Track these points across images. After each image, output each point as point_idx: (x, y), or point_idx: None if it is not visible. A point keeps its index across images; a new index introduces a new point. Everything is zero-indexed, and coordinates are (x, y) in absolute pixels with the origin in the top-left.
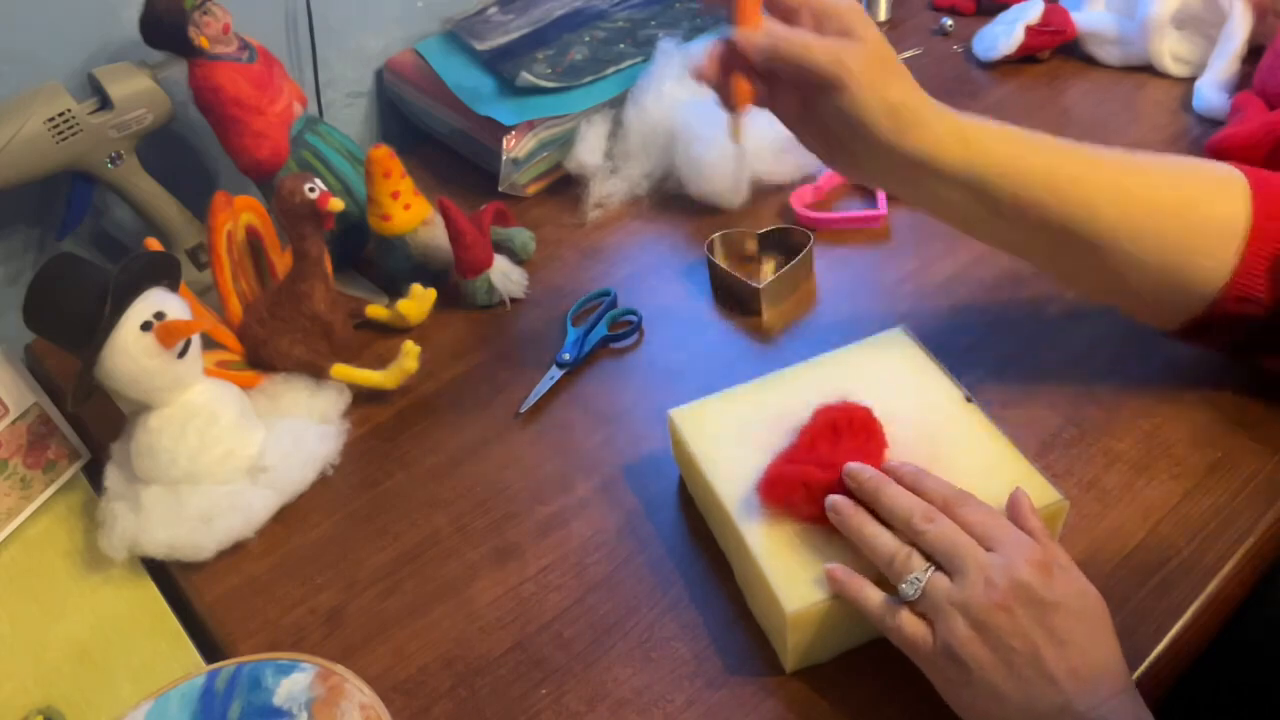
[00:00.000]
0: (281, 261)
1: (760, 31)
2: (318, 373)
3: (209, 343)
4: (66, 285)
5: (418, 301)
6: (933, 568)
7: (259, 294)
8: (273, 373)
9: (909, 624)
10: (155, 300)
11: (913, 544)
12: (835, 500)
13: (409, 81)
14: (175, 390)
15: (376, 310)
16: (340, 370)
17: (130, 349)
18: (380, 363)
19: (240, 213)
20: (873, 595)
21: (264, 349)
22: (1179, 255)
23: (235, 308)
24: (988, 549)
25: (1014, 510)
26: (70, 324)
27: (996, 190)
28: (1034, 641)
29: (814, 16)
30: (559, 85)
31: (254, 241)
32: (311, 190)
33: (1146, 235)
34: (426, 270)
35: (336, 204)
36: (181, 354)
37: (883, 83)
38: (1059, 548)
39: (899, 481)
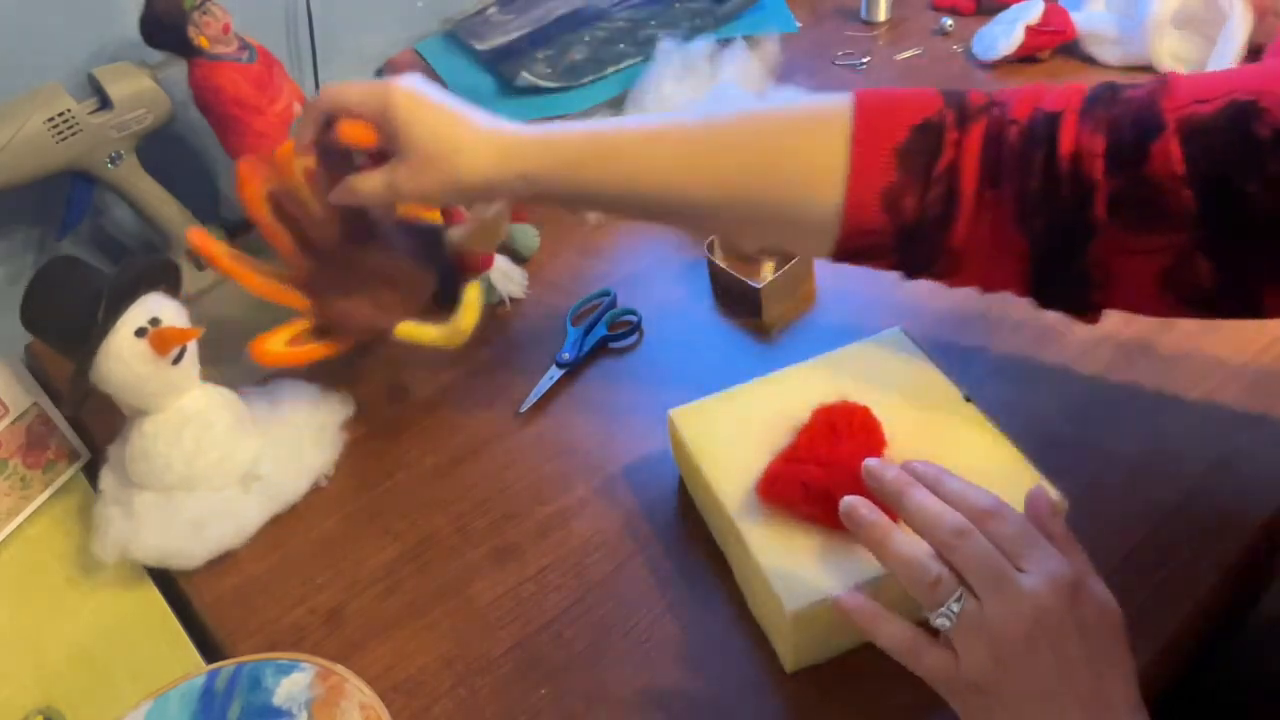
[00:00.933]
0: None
1: (337, 191)
2: (382, 335)
3: (281, 315)
4: (63, 288)
5: (484, 227)
6: (964, 591)
7: (315, 259)
8: (344, 341)
9: (932, 657)
10: (151, 306)
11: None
12: (853, 504)
13: None
14: (170, 396)
15: (417, 332)
16: (404, 330)
17: (124, 355)
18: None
19: (286, 163)
20: (891, 631)
21: (329, 315)
22: (784, 208)
23: (301, 270)
24: (1017, 566)
25: (1033, 513)
26: (65, 328)
27: (580, 203)
28: (1057, 673)
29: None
30: (559, 85)
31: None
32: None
33: (738, 202)
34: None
35: (364, 135)
36: (176, 360)
37: (430, 175)
38: (1082, 553)
39: (919, 482)
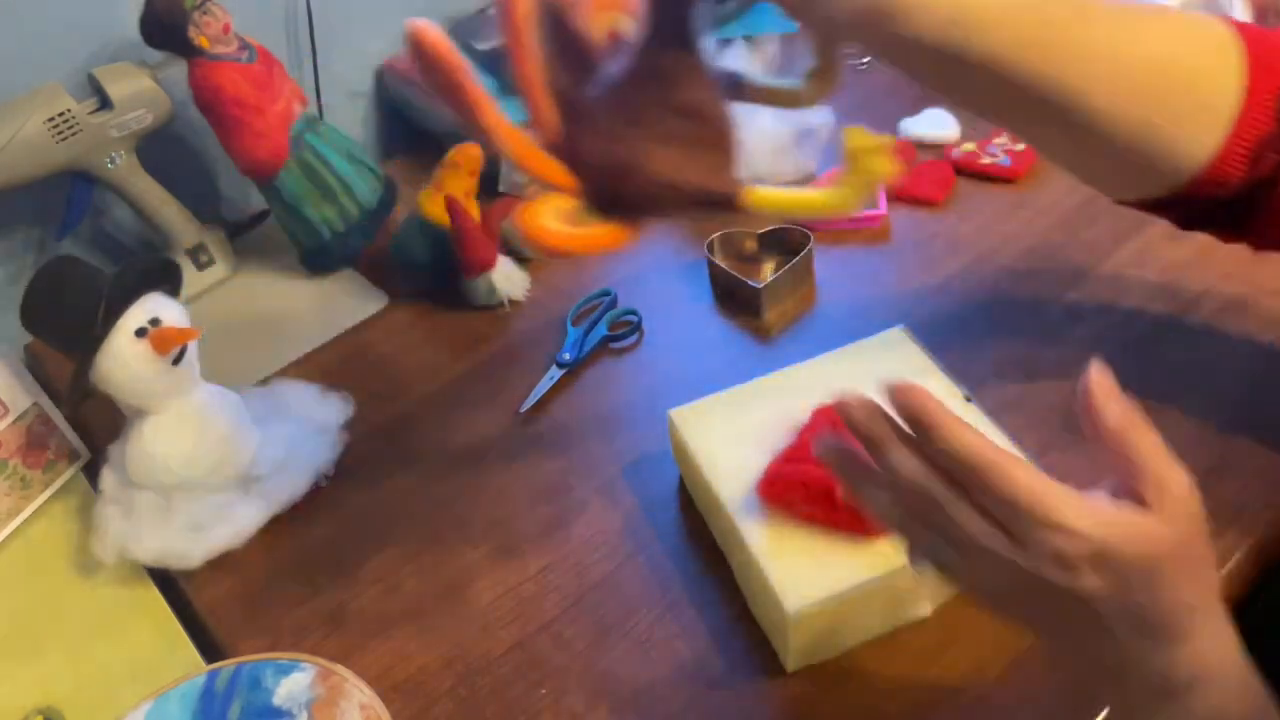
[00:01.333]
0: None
1: None
2: (726, 204)
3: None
4: (63, 288)
5: (825, 77)
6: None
7: (587, 95)
8: (641, 223)
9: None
10: (151, 306)
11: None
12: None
13: (409, 81)
14: (170, 396)
15: (789, 198)
16: (759, 195)
17: (124, 355)
18: None
19: None
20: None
21: (624, 180)
22: (1156, 127)
23: (552, 119)
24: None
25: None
26: (66, 328)
27: (974, 45)
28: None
29: None
30: None
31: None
32: None
33: (1121, 96)
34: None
35: None
36: (176, 361)
37: None
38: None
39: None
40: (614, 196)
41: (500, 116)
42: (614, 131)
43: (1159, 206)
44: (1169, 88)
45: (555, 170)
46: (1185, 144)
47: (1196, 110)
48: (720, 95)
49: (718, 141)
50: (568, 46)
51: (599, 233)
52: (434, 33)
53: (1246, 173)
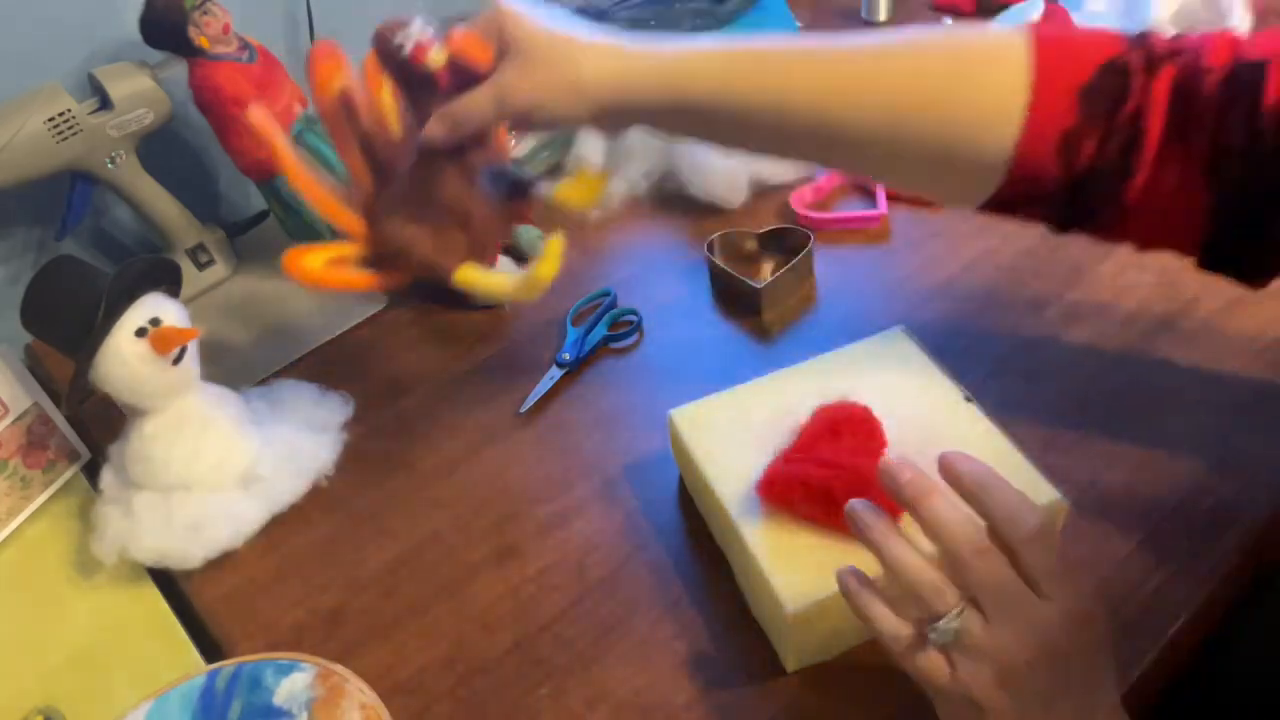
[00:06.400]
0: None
1: (432, 124)
2: (444, 274)
3: (323, 236)
4: (63, 288)
5: (585, 183)
6: (965, 606)
7: (385, 175)
8: (393, 278)
9: (927, 659)
10: (151, 306)
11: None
12: (856, 507)
13: None
14: (170, 396)
15: (483, 280)
16: (467, 274)
17: (124, 355)
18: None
19: (373, 75)
20: (886, 617)
21: (386, 244)
22: (947, 145)
23: (364, 189)
24: (1039, 593)
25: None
26: (66, 328)
27: (714, 116)
28: (1055, 690)
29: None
30: None
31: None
32: (402, 46)
33: (897, 134)
34: None
35: (435, 57)
36: (176, 361)
37: (546, 75)
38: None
39: (957, 486)
40: (378, 256)
41: (302, 170)
42: (392, 209)
43: (1009, 209)
44: (951, 99)
45: (348, 221)
46: (987, 146)
47: (987, 114)
48: (478, 196)
49: (461, 226)
50: (370, 133)
51: (357, 277)
52: (257, 114)
53: (1061, 167)
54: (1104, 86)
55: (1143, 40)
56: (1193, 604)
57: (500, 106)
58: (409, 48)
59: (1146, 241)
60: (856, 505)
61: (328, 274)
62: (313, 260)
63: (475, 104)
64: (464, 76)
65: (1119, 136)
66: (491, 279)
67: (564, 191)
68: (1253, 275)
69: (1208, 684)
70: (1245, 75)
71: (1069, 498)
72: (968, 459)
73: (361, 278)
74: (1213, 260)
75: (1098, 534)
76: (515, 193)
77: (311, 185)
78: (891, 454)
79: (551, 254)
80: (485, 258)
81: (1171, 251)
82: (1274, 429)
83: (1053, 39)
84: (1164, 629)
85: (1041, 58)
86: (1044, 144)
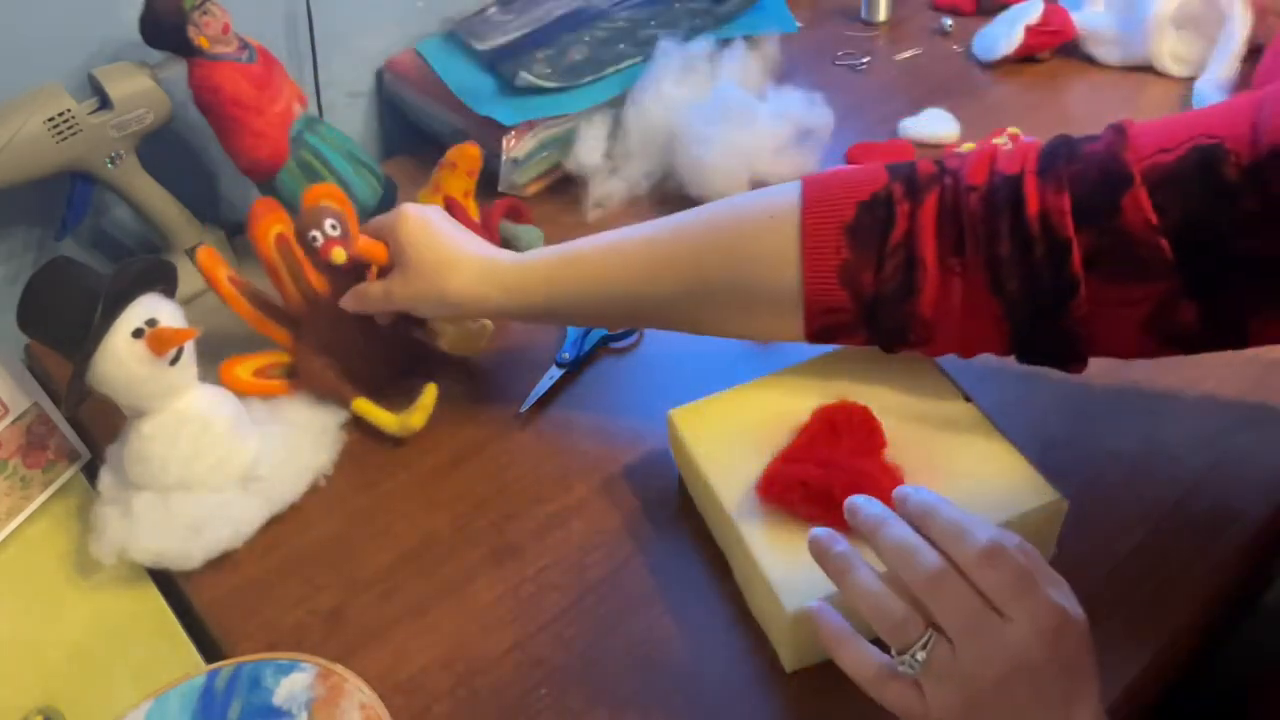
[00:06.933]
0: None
1: (345, 298)
2: (341, 402)
3: (260, 344)
4: (60, 289)
5: (423, 411)
6: (933, 634)
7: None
8: (301, 388)
9: (896, 690)
10: (148, 307)
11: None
12: (816, 536)
13: (409, 81)
14: (168, 397)
15: (372, 412)
16: (361, 405)
17: (121, 356)
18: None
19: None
20: (855, 657)
21: (301, 366)
22: (747, 297)
23: (294, 310)
24: (1001, 612)
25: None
26: (63, 329)
27: (556, 314)
28: (1029, 710)
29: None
30: (559, 85)
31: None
32: (315, 239)
33: (703, 295)
34: None
35: (338, 255)
36: (173, 361)
37: (420, 286)
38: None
39: (906, 517)
40: (296, 368)
41: (245, 301)
42: (313, 334)
43: (831, 338)
44: (741, 257)
45: (278, 334)
46: (780, 289)
47: (773, 263)
48: (381, 340)
49: (364, 361)
50: (298, 270)
51: (280, 386)
52: (208, 257)
53: (850, 297)
54: (867, 221)
55: (906, 169)
56: (1192, 604)
57: (389, 302)
58: (320, 243)
59: (964, 348)
60: (819, 534)
61: (254, 384)
62: (243, 369)
63: (372, 294)
64: (365, 266)
65: (894, 260)
66: (380, 416)
67: (451, 340)
68: (1069, 362)
69: (1209, 683)
70: (1003, 190)
71: (1069, 498)
72: (919, 491)
73: (284, 386)
74: (1026, 356)
75: (1098, 534)
76: (410, 338)
77: (245, 307)
78: (890, 454)
79: (425, 405)
80: (378, 387)
81: (990, 354)
82: (1273, 429)
83: (819, 185)
84: (1164, 628)
85: (808, 205)
86: (825, 279)
